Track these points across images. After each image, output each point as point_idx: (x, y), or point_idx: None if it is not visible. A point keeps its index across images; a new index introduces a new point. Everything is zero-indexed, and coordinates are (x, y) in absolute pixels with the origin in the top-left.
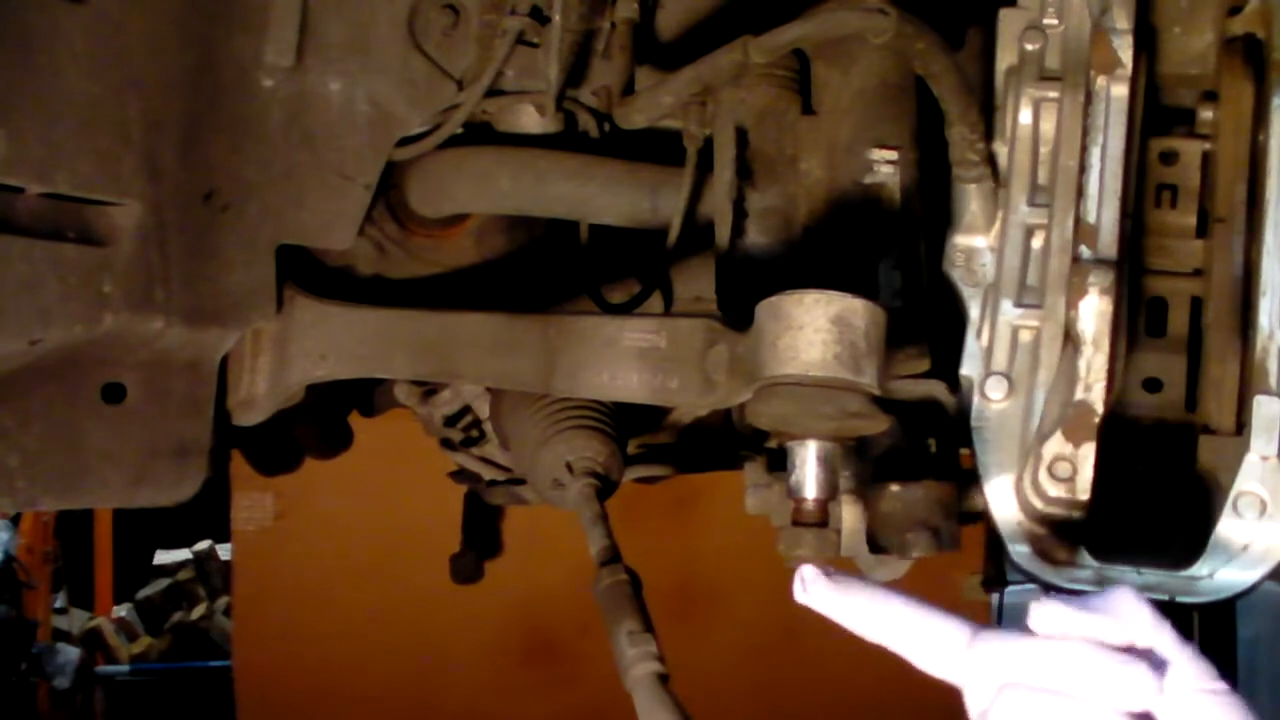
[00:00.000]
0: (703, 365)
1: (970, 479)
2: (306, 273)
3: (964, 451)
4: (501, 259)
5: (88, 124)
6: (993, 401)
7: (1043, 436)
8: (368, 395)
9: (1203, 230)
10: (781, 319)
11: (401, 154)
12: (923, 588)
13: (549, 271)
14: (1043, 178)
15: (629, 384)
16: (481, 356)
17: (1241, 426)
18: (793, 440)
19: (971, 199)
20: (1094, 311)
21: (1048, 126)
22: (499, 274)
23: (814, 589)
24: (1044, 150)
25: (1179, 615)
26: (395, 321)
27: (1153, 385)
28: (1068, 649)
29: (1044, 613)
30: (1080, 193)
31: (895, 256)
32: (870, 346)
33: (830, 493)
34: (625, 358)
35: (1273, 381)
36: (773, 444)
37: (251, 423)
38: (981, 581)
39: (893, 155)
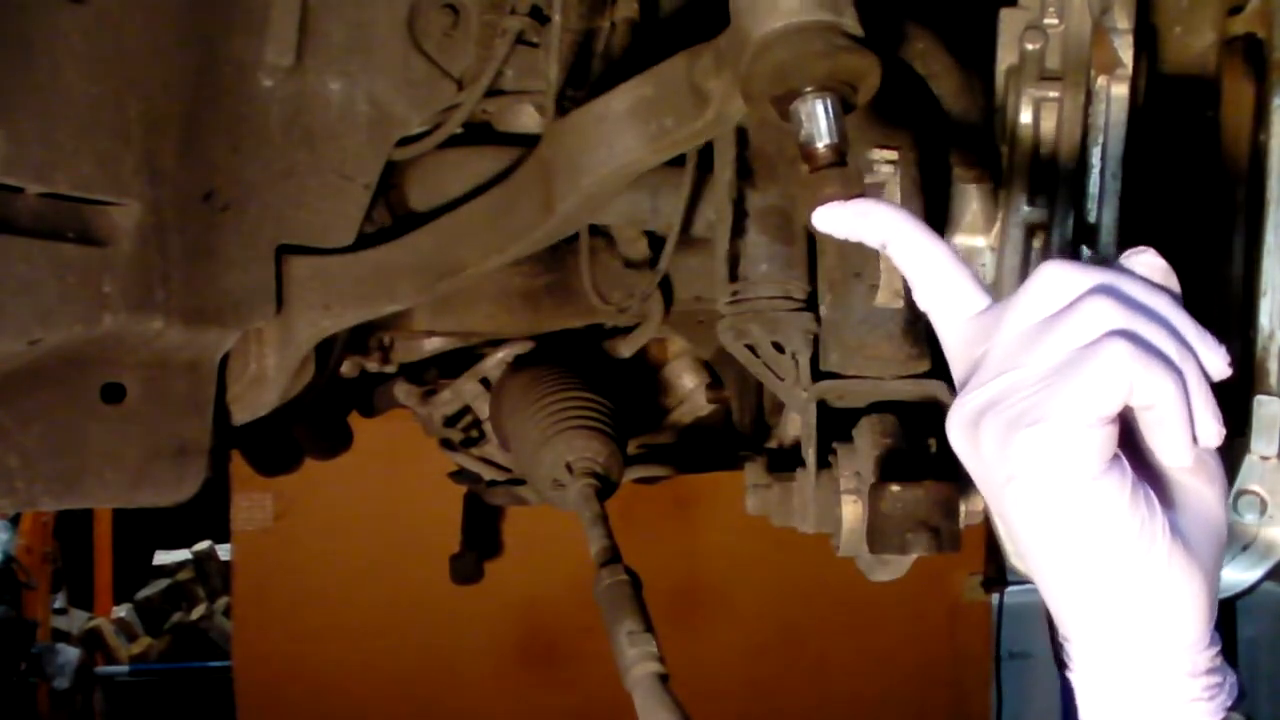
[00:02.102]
0: (691, 85)
1: (970, 479)
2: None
3: None
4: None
5: (88, 124)
6: None
7: None
8: (368, 395)
9: None
10: None
11: (401, 154)
12: (923, 588)
13: (549, 268)
14: (1043, 178)
15: (627, 146)
16: (481, 236)
17: (1242, 426)
18: (795, 101)
19: (971, 199)
20: None
21: (1048, 126)
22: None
23: (835, 211)
24: (1044, 150)
25: None
26: (391, 252)
27: None
28: (1165, 294)
29: (1144, 259)
30: (1080, 193)
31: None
32: None
33: (842, 138)
34: (617, 123)
35: (1273, 381)
36: (772, 444)
37: (266, 406)
38: (981, 581)
39: (893, 155)
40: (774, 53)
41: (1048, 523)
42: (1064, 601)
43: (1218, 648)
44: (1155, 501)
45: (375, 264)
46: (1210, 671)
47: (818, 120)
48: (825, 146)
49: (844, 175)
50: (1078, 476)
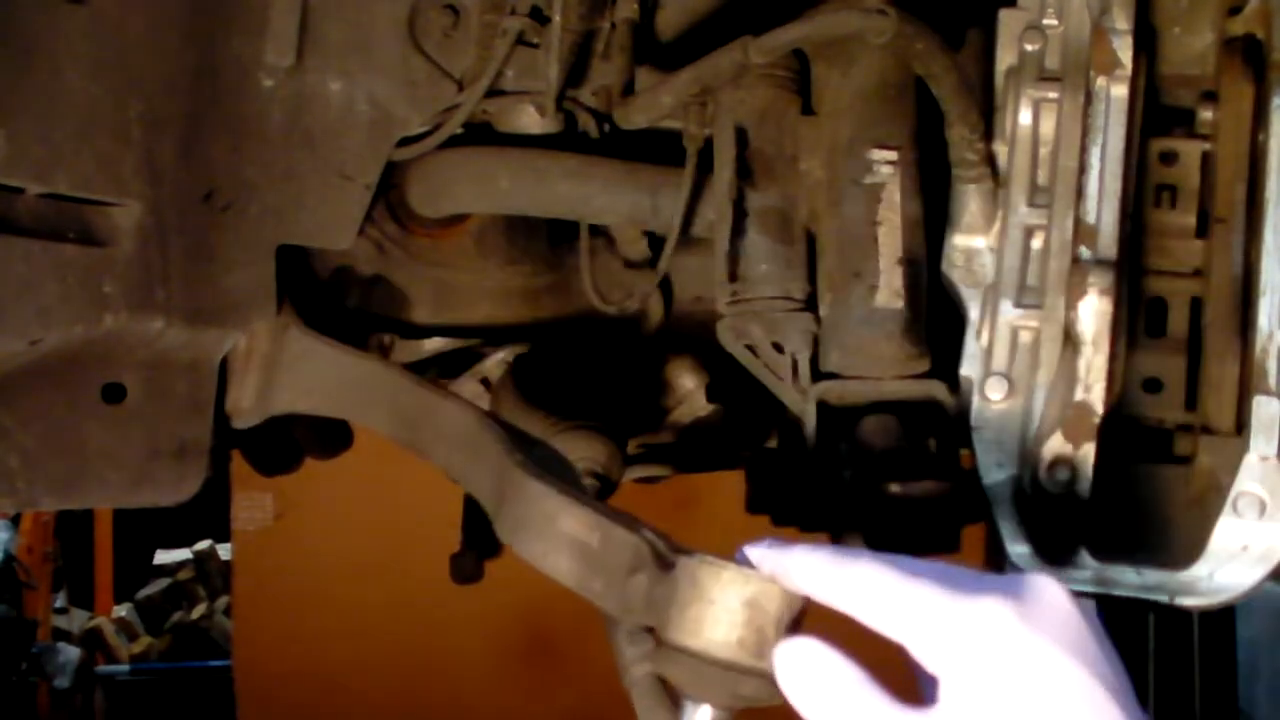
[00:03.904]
0: (625, 586)
1: (970, 479)
2: (306, 273)
3: (964, 451)
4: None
5: (88, 124)
6: (993, 402)
7: (1042, 437)
8: None
9: (1203, 230)
10: (696, 587)
11: (402, 154)
12: None
13: (550, 268)
14: (1043, 178)
15: (559, 566)
16: (449, 449)
17: (1241, 426)
18: (685, 699)
19: (971, 199)
20: (1094, 312)
21: (1048, 127)
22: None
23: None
24: (1044, 150)
25: (1178, 615)
26: (380, 376)
27: (1153, 385)
28: None
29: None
30: (1080, 193)
31: (895, 256)
32: (779, 633)
33: None
34: (560, 540)
35: (1273, 381)
36: (772, 444)
37: (239, 427)
38: None
39: (893, 155)
40: (677, 670)
41: None
42: None
43: None
44: None
45: (364, 378)
46: None
47: None
48: None
49: None
50: None
